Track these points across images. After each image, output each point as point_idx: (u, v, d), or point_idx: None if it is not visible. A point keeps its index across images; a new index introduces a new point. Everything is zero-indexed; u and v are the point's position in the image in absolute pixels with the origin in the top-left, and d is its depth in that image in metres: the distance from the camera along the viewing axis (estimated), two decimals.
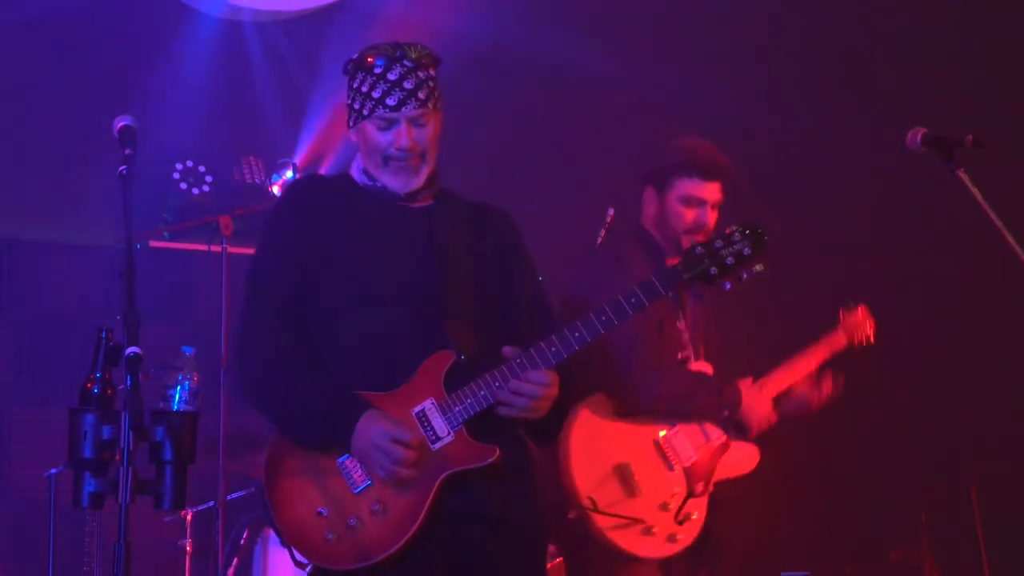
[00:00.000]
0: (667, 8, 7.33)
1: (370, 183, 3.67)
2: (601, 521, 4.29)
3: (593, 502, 4.27)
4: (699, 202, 4.61)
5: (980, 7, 7.06)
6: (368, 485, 3.42)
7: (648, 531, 4.31)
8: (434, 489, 3.40)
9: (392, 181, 3.62)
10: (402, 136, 3.57)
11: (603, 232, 6.33)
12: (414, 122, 3.58)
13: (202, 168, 6.84)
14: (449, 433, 3.44)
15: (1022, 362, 6.64)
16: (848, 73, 7.24)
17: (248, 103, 7.08)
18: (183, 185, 6.83)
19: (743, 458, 4.62)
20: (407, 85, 3.56)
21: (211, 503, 5.73)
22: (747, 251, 3.53)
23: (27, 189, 6.74)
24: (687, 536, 4.39)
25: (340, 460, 3.45)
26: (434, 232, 3.64)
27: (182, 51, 6.95)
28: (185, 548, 5.90)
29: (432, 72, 3.62)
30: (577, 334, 3.46)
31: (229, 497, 5.71)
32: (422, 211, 3.67)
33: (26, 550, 6.23)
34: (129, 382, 2.91)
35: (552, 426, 3.62)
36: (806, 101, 7.32)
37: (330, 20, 7.18)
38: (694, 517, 4.39)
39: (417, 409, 3.46)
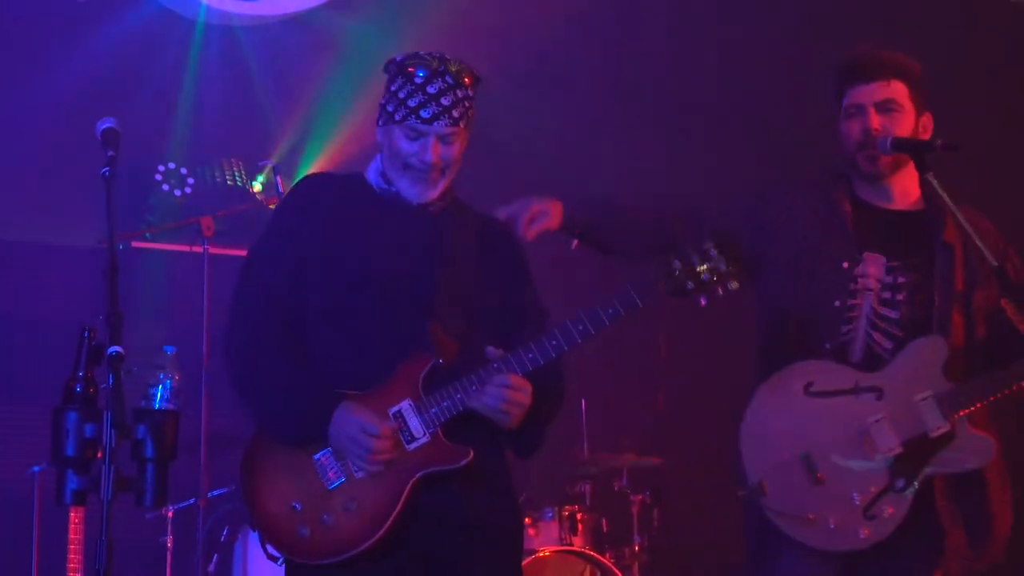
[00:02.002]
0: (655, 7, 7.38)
1: (385, 187, 3.64)
2: (767, 508, 3.88)
3: (762, 486, 3.87)
4: (858, 109, 4.03)
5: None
6: (342, 482, 3.43)
7: (821, 523, 3.84)
8: (408, 488, 3.40)
9: (408, 189, 3.60)
10: (428, 151, 3.53)
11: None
12: (443, 139, 3.54)
13: (184, 170, 6.84)
14: (425, 434, 3.44)
15: None
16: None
17: (229, 106, 7.07)
18: (165, 187, 6.83)
19: (971, 451, 3.90)
20: (444, 101, 3.52)
21: (192, 500, 5.72)
22: (723, 267, 3.53)
23: (11, 190, 6.72)
24: (876, 534, 3.84)
25: (316, 456, 3.45)
26: (438, 238, 3.63)
27: (164, 55, 6.94)
28: (167, 545, 5.90)
29: (470, 91, 3.57)
30: (554, 342, 3.45)
31: (210, 494, 5.71)
32: (430, 218, 3.65)
33: (10, 546, 6.21)
34: (111, 381, 2.90)
35: (531, 437, 3.61)
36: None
37: (310, 24, 7.17)
38: (888, 515, 3.85)
39: (394, 409, 3.45)
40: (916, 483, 3.85)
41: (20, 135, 6.66)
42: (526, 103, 7.22)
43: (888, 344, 3.96)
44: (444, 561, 3.46)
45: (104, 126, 3.33)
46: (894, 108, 4.02)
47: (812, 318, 4.01)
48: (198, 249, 5.86)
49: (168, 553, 5.89)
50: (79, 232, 6.58)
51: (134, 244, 6.68)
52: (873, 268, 4.00)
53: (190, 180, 6.86)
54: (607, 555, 6.26)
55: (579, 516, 6.31)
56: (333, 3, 7.13)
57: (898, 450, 3.86)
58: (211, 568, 5.88)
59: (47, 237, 6.87)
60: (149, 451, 3.04)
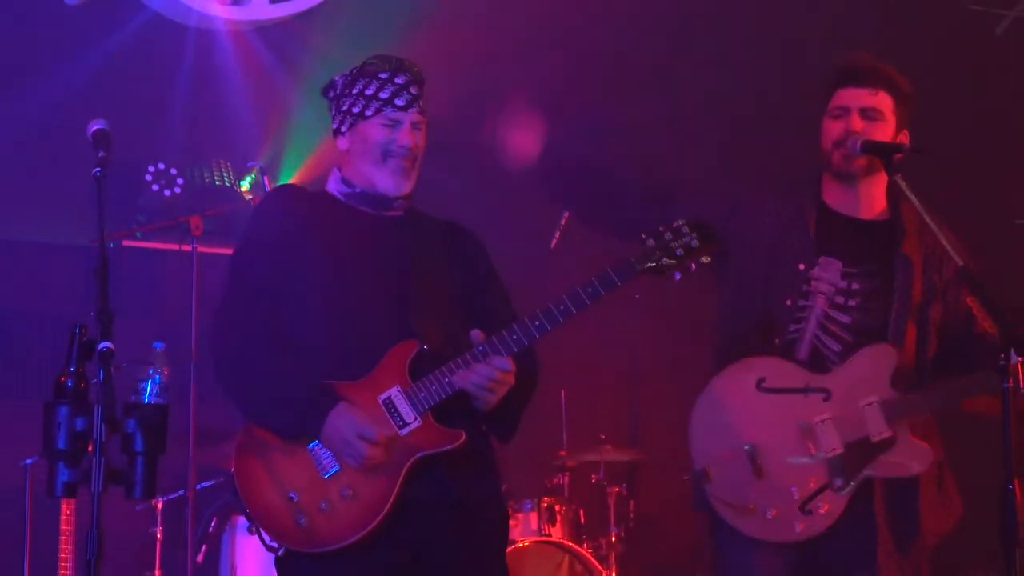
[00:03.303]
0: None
1: (349, 190, 3.65)
2: (710, 495, 3.96)
3: (707, 472, 3.93)
4: (842, 110, 4.05)
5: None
6: (337, 471, 3.42)
7: (759, 514, 3.90)
8: (403, 473, 3.41)
9: (386, 181, 3.63)
10: (406, 135, 3.61)
11: (558, 234, 6.35)
12: (415, 126, 3.63)
13: (174, 171, 6.83)
14: (416, 419, 3.45)
15: None
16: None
17: (218, 108, 7.06)
18: (155, 187, 6.81)
19: (909, 459, 3.95)
20: (412, 91, 3.62)
21: (181, 492, 5.72)
22: (695, 243, 3.58)
23: (3, 190, 6.70)
24: (810, 528, 3.89)
25: (310, 446, 3.44)
26: (408, 240, 3.65)
27: (154, 58, 6.92)
28: (156, 535, 5.89)
29: (423, 88, 3.68)
30: (537, 323, 3.48)
31: (198, 486, 5.69)
32: (395, 221, 3.68)
33: (2, 537, 6.19)
34: (102, 376, 2.89)
35: (511, 419, 3.62)
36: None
37: (296, 28, 7.17)
38: (823, 512, 3.88)
39: (384, 396, 3.45)
40: (853, 483, 3.91)
41: (12, 136, 6.64)
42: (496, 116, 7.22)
43: (836, 347, 4.02)
44: (435, 542, 3.47)
45: (95, 127, 3.32)
46: (877, 117, 4.05)
47: (765, 315, 4.07)
48: (187, 248, 5.84)
49: (157, 544, 5.89)
50: (71, 231, 6.56)
51: (125, 243, 6.67)
52: (828, 272, 4.05)
53: (179, 180, 6.84)
54: (585, 545, 6.27)
55: (558, 508, 6.31)
56: (315, 11, 7.12)
57: (839, 451, 3.92)
58: (199, 558, 5.87)
59: (40, 236, 6.85)
60: (139, 444, 3.03)
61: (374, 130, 3.61)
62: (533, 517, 6.25)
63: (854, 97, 4.06)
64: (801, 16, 7.21)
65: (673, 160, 7.17)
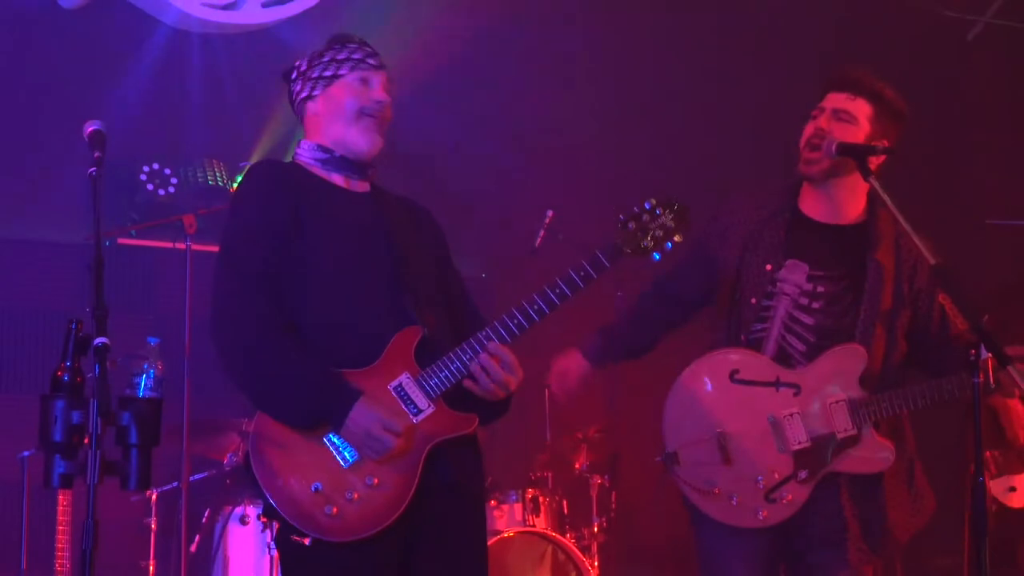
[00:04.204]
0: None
1: (327, 156, 3.61)
2: (678, 477, 4.03)
3: (676, 455, 4.00)
4: (820, 111, 4.08)
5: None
6: (357, 460, 3.37)
7: (724, 499, 3.97)
8: (423, 459, 3.40)
9: (359, 139, 3.59)
10: (379, 90, 3.62)
11: (542, 233, 6.36)
12: (385, 87, 3.65)
13: (168, 171, 6.83)
14: (429, 405, 3.43)
15: None
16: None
17: (211, 110, 7.06)
18: (150, 186, 6.82)
19: (872, 456, 3.98)
20: (378, 58, 3.66)
21: (175, 484, 5.71)
22: (671, 224, 3.62)
23: (1, 190, 6.69)
24: (773, 516, 3.94)
25: (326, 437, 3.39)
26: (381, 216, 3.62)
27: (149, 61, 6.92)
28: (150, 526, 5.89)
29: None
30: (535, 307, 3.50)
31: (192, 478, 5.69)
32: (364, 196, 3.65)
33: (0, 527, 6.19)
34: (97, 370, 2.89)
35: (501, 410, 3.62)
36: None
37: (289, 31, 7.17)
38: (787, 501, 3.94)
39: (394, 384, 3.43)
40: (817, 476, 3.94)
41: (9, 135, 6.63)
42: (487, 115, 7.23)
43: (801, 347, 4.04)
44: (442, 522, 3.46)
45: (91, 128, 3.31)
46: (847, 119, 4.02)
47: (735, 313, 4.12)
48: (181, 246, 5.84)
49: (152, 534, 5.88)
50: (68, 229, 6.55)
51: (120, 241, 6.68)
52: (794, 274, 4.06)
53: (173, 180, 6.85)
54: (568, 535, 6.28)
55: (541, 499, 6.32)
56: (307, 15, 7.13)
57: (806, 444, 3.96)
58: (192, 548, 5.88)
59: (38, 234, 6.85)
60: (133, 437, 3.04)
61: (348, 89, 3.60)
62: (518, 508, 6.26)
63: (832, 100, 4.06)
64: (790, 24, 7.23)
65: (669, 171, 7.21)
